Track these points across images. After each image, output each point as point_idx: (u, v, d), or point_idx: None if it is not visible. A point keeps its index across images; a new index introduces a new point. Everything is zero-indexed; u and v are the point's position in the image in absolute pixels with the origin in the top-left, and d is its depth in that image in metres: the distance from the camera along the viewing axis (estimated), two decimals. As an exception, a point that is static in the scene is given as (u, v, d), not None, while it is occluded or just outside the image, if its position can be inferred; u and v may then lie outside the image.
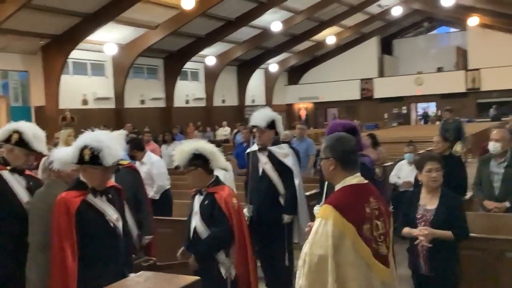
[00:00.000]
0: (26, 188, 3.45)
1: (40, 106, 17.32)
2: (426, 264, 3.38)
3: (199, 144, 3.42)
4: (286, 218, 4.62)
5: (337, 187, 2.41)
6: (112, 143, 2.97)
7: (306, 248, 2.27)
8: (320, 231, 2.24)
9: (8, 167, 3.42)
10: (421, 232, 3.30)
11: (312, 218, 4.89)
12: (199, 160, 3.35)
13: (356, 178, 2.41)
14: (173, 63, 21.44)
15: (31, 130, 3.46)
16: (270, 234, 4.61)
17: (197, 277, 1.11)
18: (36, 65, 17.24)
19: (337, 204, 2.29)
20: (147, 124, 18.10)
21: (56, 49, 16.77)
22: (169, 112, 21.56)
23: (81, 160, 2.87)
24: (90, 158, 2.86)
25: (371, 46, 29.23)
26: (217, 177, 3.51)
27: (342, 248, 2.22)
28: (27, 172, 3.58)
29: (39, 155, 3.63)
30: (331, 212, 2.27)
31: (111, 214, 3.01)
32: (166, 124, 19.31)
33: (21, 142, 3.40)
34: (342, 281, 2.19)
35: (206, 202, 3.38)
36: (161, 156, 9.72)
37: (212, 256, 3.33)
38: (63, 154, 2.96)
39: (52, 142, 9.12)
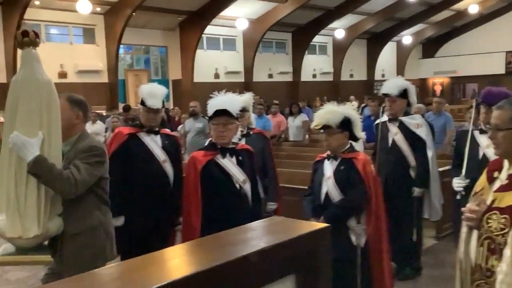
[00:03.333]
0: (162, 147, 3.68)
1: (177, 80, 18.50)
2: None
3: (349, 110, 3.38)
4: (417, 191, 4.37)
5: None
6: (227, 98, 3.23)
7: None
8: None
9: (144, 129, 3.68)
10: None
11: (446, 193, 4.59)
12: (347, 125, 3.30)
13: None
14: (301, 37, 21.38)
15: (146, 89, 3.67)
16: (399, 207, 4.40)
17: (327, 224, 1.05)
18: (174, 40, 18.37)
19: None
20: (274, 98, 18.37)
21: (192, 25, 17.67)
22: (296, 86, 21.65)
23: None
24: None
25: (521, 14, 26.24)
26: (351, 144, 3.43)
27: None
28: (163, 130, 3.82)
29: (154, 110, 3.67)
30: None
31: (238, 175, 3.09)
32: (292, 98, 19.42)
33: (142, 101, 3.63)
34: None
35: (343, 167, 3.31)
36: (287, 128, 9.88)
37: (343, 222, 3.26)
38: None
39: (187, 111, 9.75)
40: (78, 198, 2.59)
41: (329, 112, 3.32)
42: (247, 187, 3.17)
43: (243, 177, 3.14)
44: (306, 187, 3.68)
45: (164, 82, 18.10)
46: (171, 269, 0.87)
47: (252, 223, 1.08)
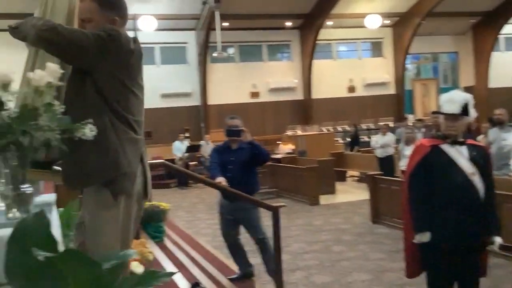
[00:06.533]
0: (469, 158, 3.38)
1: (469, 86, 17.21)
2: None
3: None
4: None
5: None
6: None
7: None
8: None
9: (448, 140, 3.44)
10: None
11: None
12: None
13: None
14: None
15: (445, 96, 3.44)
16: None
17: None
18: (465, 45, 17.22)
19: None
20: None
21: (487, 26, 16.26)
22: None
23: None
24: None
25: None
26: None
27: None
28: (469, 141, 3.50)
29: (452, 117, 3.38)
30: None
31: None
32: None
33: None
34: None
35: None
36: None
37: None
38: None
39: (484, 120, 8.89)
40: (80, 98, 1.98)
41: None
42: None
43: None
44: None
45: (454, 89, 17.12)
46: None
47: None
